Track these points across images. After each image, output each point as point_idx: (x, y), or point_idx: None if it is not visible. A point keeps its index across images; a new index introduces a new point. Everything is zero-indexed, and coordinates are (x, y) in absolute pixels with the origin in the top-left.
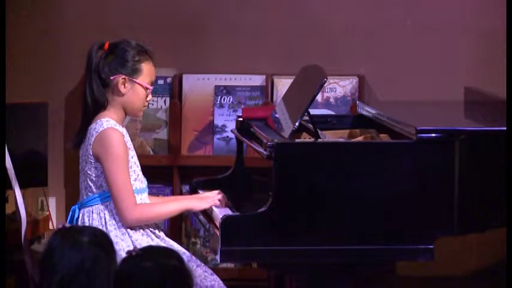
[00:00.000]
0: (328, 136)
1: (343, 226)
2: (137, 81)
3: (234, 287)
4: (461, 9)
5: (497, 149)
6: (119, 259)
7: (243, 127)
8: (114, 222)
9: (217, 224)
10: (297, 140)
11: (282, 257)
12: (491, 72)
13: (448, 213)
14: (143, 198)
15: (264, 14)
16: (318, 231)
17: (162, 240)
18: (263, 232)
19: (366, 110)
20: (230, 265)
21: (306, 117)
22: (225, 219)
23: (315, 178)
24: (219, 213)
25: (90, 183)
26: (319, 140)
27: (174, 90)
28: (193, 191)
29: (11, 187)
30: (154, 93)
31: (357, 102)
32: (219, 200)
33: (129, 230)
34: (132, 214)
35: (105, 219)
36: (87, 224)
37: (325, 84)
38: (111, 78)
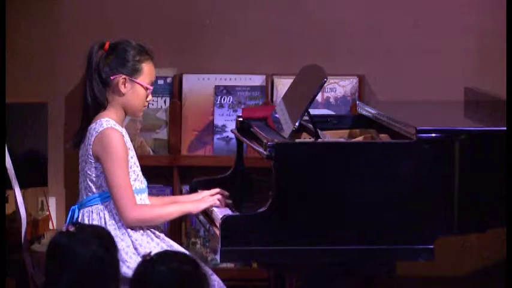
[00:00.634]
0: (328, 136)
1: (343, 226)
2: (137, 81)
3: (234, 287)
4: (461, 9)
5: (497, 149)
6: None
7: (243, 127)
8: (114, 222)
9: (217, 224)
10: (297, 140)
11: (282, 257)
12: (491, 72)
13: (448, 213)
14: (143, 198)
15: (264, 14)
16: (318, 231)
17: (162, 240)
18: (263, 232)
19: (366, 110)
20: (230, 265)
21: (306, 117)
22: (225, 219)
23: (315, 178)
24: (219, 213)
25: (90, 183)
26: (319, 140)
27: (174, 90)
28: (193, 191)
29: (11, 187)
30: (154, 93)
31: (357, 102)
32: (219, 200)
33: (129, 230)
34: (132, 214)
35: (105, 219)
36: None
37: (325, 84)
38: (112, 78)
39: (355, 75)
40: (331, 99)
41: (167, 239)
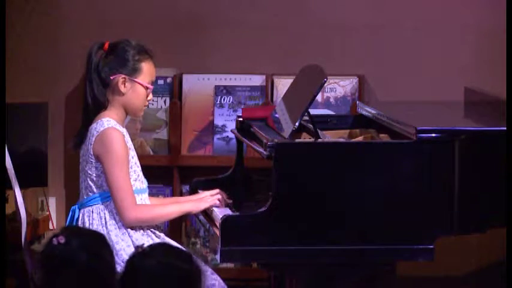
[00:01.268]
0: (328, 136)
1: (343, 226)
2: (137, 80)
3: (234, 287)
4: (462, 9)
5: (497, 149)
6: (118, 259)
7: (243, 127)
8: (114, 222)
9: (217, 224)
10: (297, 140)
11: (282, 257)
12: (491, 72)
13: (448, 213)
14: (143, 198)
15: (264, 14)
16: (318, 231)
17: (162, 240)
18: (263, 232)
19: (366, 110)
20: (230, 265)
21: (306, 117)
22: (225, 219)
23: (315, 178)
24: (219, 213)
25: (90, 183)
26: (319, 140)
27: (174, 90)
28: (193, 191)
29: (11, 187)
30: (154, 93)
31: (357, 102)
32: (219, 200)
33: (129, 229)
34: (132, 213)
35: (105, 219)
36: (87, 224)
37: (325, 84)
38: (111, 77)
39: (355, 75)
40: (331, 99)
41: (167, 239)
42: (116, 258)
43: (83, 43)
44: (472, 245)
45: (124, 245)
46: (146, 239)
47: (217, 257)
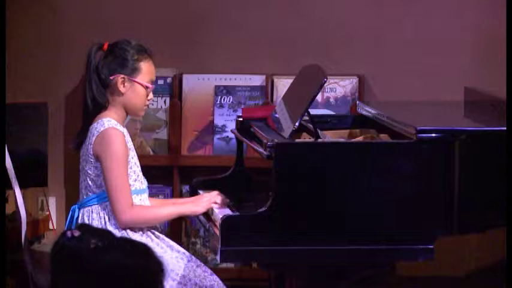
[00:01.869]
0: (328, 136)
1: (343, 226)
2: (137, 80)
3: (234, 287)
4: (462, 9)
5: (497, 149)
6: None
7: (243, 127)
8: (114, 222)
9: (217, 224)
10: (297, 140)
11: (282, 257)
12: (491, 72)
13: (448, 213)
14: (143, 199)
15: (264, 14)
16: (318, 231)
17: (162, 240)
18: (263, 232)
19: (366, 110)
20: (230, 265)
21: (306, 117)
22: (225, 219)
23: (315, 178)
24: (219, 213)
25: (90, 182)
26: (319, 140)
27: (174, 90)
28: (193, 191)
29: (11, 187)
30: (154, 93)
31: (357, 102)
32: (217, 202)
33: (128, 230)
34: (127, 215)
35: (105, 219)
36: (85, 223)
37: (325, 84)
38: (111, 78)
39: (355, 75)
40: (331, 99)
41: (167, 239)
42: None
43: (83, 43)
44: (472, 245)
45: None
46: (145, 239)
47: (217, 257)
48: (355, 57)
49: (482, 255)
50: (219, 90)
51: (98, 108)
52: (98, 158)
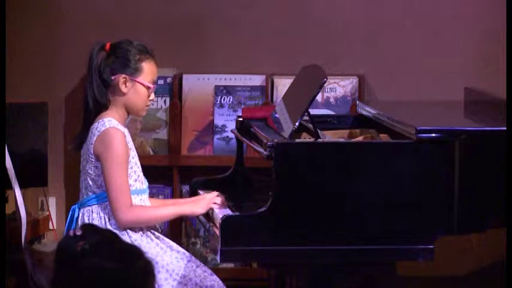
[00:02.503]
0: (328, 136)
1: (343, 226)
2: (138, 80)
3: (234, 287)
4: (462, 9)
5: (497, 149)
6: None
7: (243, 127)
8: (114, 222)
9: (217, 224)
10: (297, 140)
11: (282, 257)
12: (491, 72)
13: (448, 213)
14: (143, 199)
15: (264, 14)
16: (317, 231)
17: (162, 240)
18: (263, 232)
19: (366, 110)
20: (230, 265)
21: (306, 117)
22: (225, 219)
23: (315, 178)
24: (219, 213)
25: (90, 182)
26: (319, 140)
27: (174, 90)
28: (193, 191)
29: (11, 187)
30: (154, 93)
31: (357, 102)
32: (216, 203)
33: (128, 230)
34: (126, 215)
35: (105, 219)
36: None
37: (325, 84)
38: (112, 78)
39: (355, 75)
40: (331, 99)
41: (167, 240)
42: None
43: (83, 43)
44: (472, 245)
45: None
46: (146, 239)
47: (217, 257)
48: (355, 57)
49: (482, 255)
50: (219, 90)
51: (99, 108)
52: (98, 158)
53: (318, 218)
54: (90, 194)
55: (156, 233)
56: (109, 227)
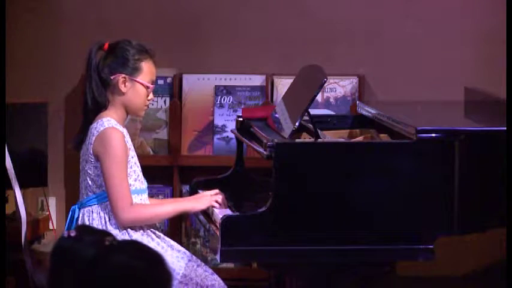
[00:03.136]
0: (328, 136)
1: (343, 226)
2: (137, 79)
3: (234, 287)
4: (461, 9)
5: (497, 149)
6: None
7: (243, 127)
8: (114, 222)
9: (217, 224)
10: (297, 140)
11: (282, 257)
12: (491, 72)
13: (448, 213)
14: (143, 198)
15: (264, 14)
16: (317, 231)
17: (162, 240)
18: (263, 232)
19: (366, 110)
20: (230, 265)
21: (306, 117)
22: (225, 219)
23: (315, 178)
24: (219, 213)
25: (90, 182)
26: (319, 140)
27: (174, 90)
28: (193, 191)
29: (11, 187)
30: (154, 93)
31: (357, 102)
32: (217, 201)
33: (129, 229)
34: (126, 214)
35: (105, 218)
36: (87, 224)
37: (325, 84)
38: (111, 77)
39: (355, 75)
40: (331, 99)
41: (167, 239)
42: None
43: (83, 43)
44: (472, 245)
45: None
46: (146, 239)
47: (217, 257)
48: (355, 57)
49: (482, 255)
50: (219, 90)
51: (98, 108)
52: (97, 158)
53: (318, 218)
54: (90, 194)
55: (157, 232)
56: (109, 226)
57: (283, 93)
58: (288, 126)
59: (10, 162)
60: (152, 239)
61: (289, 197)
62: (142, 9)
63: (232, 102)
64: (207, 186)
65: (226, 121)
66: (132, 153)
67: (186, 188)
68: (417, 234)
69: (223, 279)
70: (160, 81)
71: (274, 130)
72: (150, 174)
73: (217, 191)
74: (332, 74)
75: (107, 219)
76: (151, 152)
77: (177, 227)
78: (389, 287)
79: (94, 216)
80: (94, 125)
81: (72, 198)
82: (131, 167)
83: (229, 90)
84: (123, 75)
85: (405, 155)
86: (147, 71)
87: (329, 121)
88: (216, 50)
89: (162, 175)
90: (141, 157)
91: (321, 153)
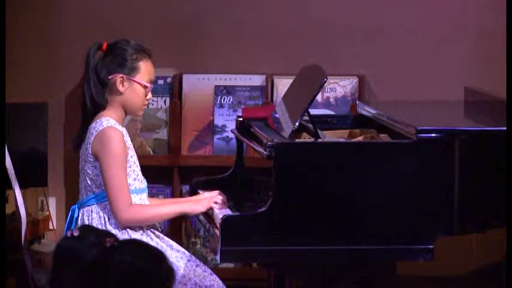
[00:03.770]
0: (328, 136)
1: (343, 226)
2: (135, 79)
3: (234, 287)
4: (461, 9)
5: (497, 149)
6: None
7: (243, 127)
8: (114, 221)
9: (217, 224)
10: (297, 140)
11: (282, 257)
12: (491, 72)
13: (448, 213)
14: (143, 198)
15: (264, 14)
16: (317, 231)
17: (162, 240)
18: (263, 232)
19: (366, 110)
20: (230, 265)
21: (306, 117)
22: (225, 219)
23: (314, 178)
24: (219, 213)
25: (89, 182)
26: (319, 140)
27: (174, 90)
28: (193, 191)
29: (11, 187)
30: (154, 93)
31: (357, 102)
32: (217, 202)
33: (128, 229)
34: (125, 214)
35: (104, 219)
36: (86, 224)
37: (325, 84)
38: (109, 77)
39: (355, 75)
40: (331, 99)
41: (167, 239)
42: None
43: (83, 43)
44: (472, 245)
45: None
46: (146, 238)
47: (217, 257)
48: (355, 57)
49: (482, 255)
50: (219, 90)
51: (97, 108)
52: (97, 158)
53: (318, 218)
54: (89, 193)
55: (156, 232)
56: (109, 226)
57: (283, 93)
58: (288, 126)
59: (10, 162)
60: (151, 239)
61: (289, 197)
62: (143, 9)
63: (232, 102)
64: (207, 186)
65: (226, 121)
66: (132, 152)
67: (186, 188)
68: (417, 234)
69: (223, 279)
70: (160, 81)
71: (274, 130)
72: (150, 174)
73: (217, 192)
74: (332, 74)
75: (107, 219)
76: (151, 152)
77: (177, 227)
78: (389, 287)
79: (94, 216)
80: (93, 124)
81: (72, 198)
82: (130, 167)
83: (229, 90)
84: (121, 75)
85: (405, 155)
86: (145, 70)
87: (329, 121)
88: (216, 50)
89: (162, 175)
90: (141, 157)
91: (320, 153)
